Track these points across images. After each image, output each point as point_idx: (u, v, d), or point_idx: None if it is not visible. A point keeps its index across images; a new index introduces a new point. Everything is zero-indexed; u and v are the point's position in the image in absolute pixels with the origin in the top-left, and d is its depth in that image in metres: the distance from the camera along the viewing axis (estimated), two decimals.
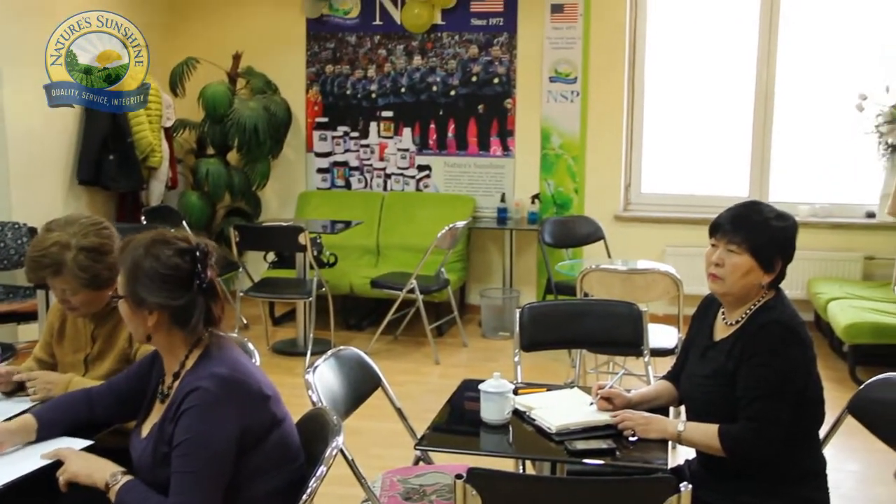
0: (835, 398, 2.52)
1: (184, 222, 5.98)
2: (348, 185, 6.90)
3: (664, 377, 2.67)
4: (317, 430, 2.17)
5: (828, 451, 2.48)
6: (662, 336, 4.25)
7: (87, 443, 2.18)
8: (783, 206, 2.46)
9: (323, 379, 2.61)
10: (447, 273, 5.93)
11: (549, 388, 2.75)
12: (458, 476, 1.89)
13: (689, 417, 2.45)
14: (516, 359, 3.26)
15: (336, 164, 6.90)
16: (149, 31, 5.19)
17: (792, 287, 5.76)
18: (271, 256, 6.27)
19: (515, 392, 2.54)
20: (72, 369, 2.58)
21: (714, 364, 2.39)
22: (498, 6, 6.44)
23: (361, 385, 2.80)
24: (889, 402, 2.50)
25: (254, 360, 2.52)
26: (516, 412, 2.50)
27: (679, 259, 5.78)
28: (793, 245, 2.39)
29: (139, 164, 6.07)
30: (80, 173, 5.91)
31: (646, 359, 3.33)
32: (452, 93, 6.60)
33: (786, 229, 2.37)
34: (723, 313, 2.46)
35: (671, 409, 2.63)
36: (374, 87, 6.74)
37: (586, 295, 4.30)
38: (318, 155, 6.92)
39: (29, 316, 4.87)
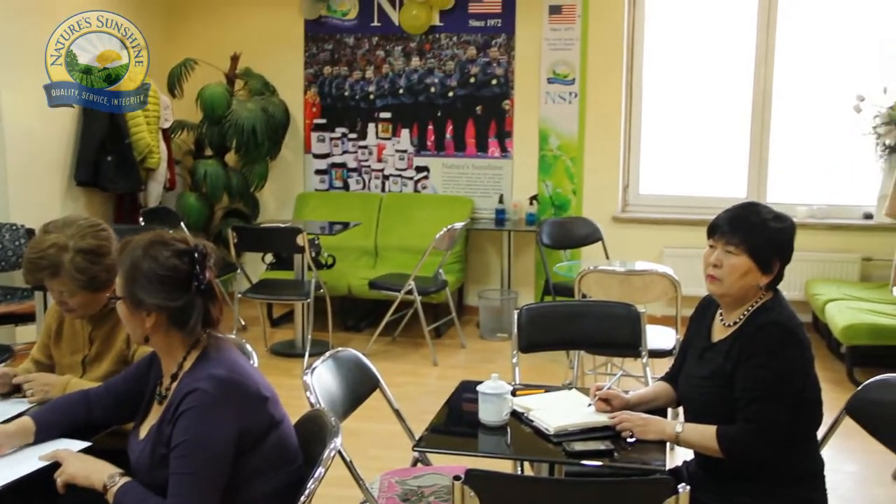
0: (833, 399, 2.53)
1: (182, 223, 5.96)
2: (346, 187, 6.90)
3: (662, 378, 2.67)
4: (315, 432, 2.17)
5: (826, 453, 2.48)
6: (660, 337, 4.25)
7: (85, 444, 2.18)
8: (781, 207, 2.46)
9: (321, 380, 2.61)
10: (445, 274, 5.93)
11: (548, 389, 2.75)
12: (457, 477, 1.89)
13: (688, 418, 2.45)
14: (514, 360, 3.26)
15: (334, 165, 6.90)
16: (147, 33, 5.18)
17: (790, 288, 5.75)
18: (269, 258, 6.27)
19: (513, 393, 2.54)
20: (69, 371, 2.58)
21: (712, 365, 2.39)
22: (496, 7, 6.44)
23: (359, 386, 2.80)
24: (887, 403, 2.50)
25: (252, 362, 2.52)
26: (514, 413, 2.50)
27: (677, 260, 5.79)
28: (791, 246, 2.39)
29: (137, 166, 6.07)
30: (77, 174, 5.90)
31: (644, 360, 3.34)
32: (450, 94, 6.60)
33: (784, 230, 2.38)
34: (721, 314, 2.46)
35: (669, 411, 2.63)
36: (372, 88, 6.74)
37: (584, 296, 4.30)
38: (316, 156, 6.92)
39: (27, 317, 4.87)
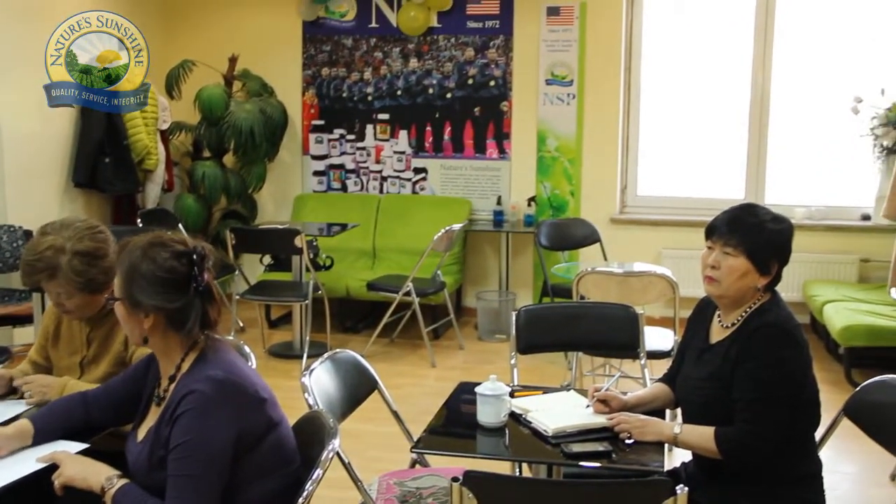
0: (830, 400, 2.53)
1: (180, 225, 5.97)
2: (344, 188, 6.90)
3: (660, 380, 2.67)
4: (313, 433, 2.17)
5: (824, 454, 2.48)
6: (658, 338, 4.26)
7: (83, 446, 2.18)
8: (779, 208, 2.46)
9: (319, 382, 2.60)
10: (443, 276, 5.93)
11: (546, 390, 2.75)
12: (455, 479, 1.89)
13: (686, 420, 2.45)
14: (512, 361, 3.27)
15: (332, 166, 6.90)
16: (145, 34, 5.18)
17: (788, 289, 5.76)
18: (267, 259, 6.27)
19: (512, 395, 2.54)
20: (67, 372, 2.58)
21: (710, 367, 2.39)
22: (494, 9, 6.44)
23: (358, 388, 2.80)
24: (885, 404, 2.50)
25: (250, 363, 2.52)
26: (513, 415, 2.50)
27: (675, 261, 5.80)
28: (789, 247, 2.39)
29: (135, 167, 6.07)
30: (75, 176, 5.90)
31: (642, 361, 3.34)
32: (448, 95, 6.60)
33: (782, 232, 2.38)
34: (719, 316, 2.47)
35: (667, 412, 2.64)
36: (370, 89, 6.74)
37: (582, 297, 4.30)
38: (315, 158, 6.92)
39: (24, 319, 4.86)
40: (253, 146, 6.44)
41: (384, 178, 6.81)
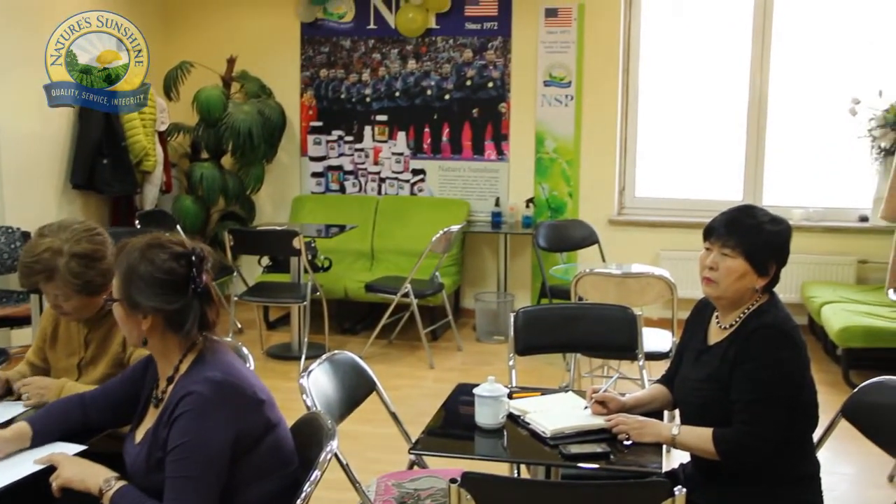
0: (828, 401, 2.53)
1: (178, 226, 5.97)
2: (343, 190, 6.90)
3: (658, 381, 2.67)
4: (311, 435, 2.17)
5: (822, 455, 2.48)
6: (657, 340, 4.26)
7: (81, 448, 2.17)
8: (777, 209, 2.46)
9: (317, 383, 2.60)
10: (442, 277, 5.93)
11: (544, 392, 2.75)
12: (453, 480, 1.89)
13: (684, 421, 2.46)
14: (511, 363, 3.27)
15: (330, 168, 6.90)
16: (144, 35, 5.18)
17: (786, 291, 5.81)
18: (265, 260, 6.27)
19: (510, 396, 2.54)
20: (65, 374, 2.57)
21: (708, 368, 2.39)
22: (492, 10, 6.44)
23: (356, 389, 2.80)
24: (883, 405, 2.51)
25: (248, 365, 2.52)
26: (511, 416, 2.50)
27: (673, 263, 5.79)
28: (787, 249, 2.40)
29: (133, 168, 6.07)
30: (73, 177, 5.89)
31: (640, 362, 3.34)
32: (447, 97, 6.61)
33: (780, 233, 2.38)
34: (717, 317, 2.47)
35: (666, 413, 2.64)
36: (368, 91, 6.74)
37: (581, 299, 4.30)
38: (313, 159, 6.92)
39: (22, 320, 4.87)
40: (251, 147, 6.44)
41: (382, 180, 6.81)
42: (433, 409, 2.63)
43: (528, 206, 6.45)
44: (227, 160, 6.70)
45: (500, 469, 2.78)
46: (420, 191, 6.75)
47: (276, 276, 6.09)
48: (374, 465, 3.30)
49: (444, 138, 6.64)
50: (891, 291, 5.10)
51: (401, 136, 6.72)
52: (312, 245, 5.72)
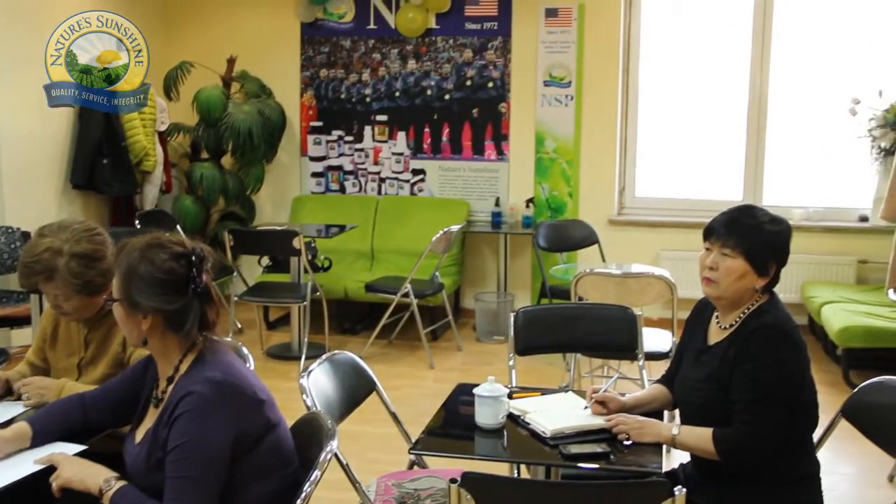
0: (828, 402, 2.53)
1: (178, 226, 5.97)
2: (343, 190, 6.90)
3: (658, 381, 2.67)
4: (311, 435, 2.17)
5: (822, 455, 2.48)
6: (657, 340, 4.26)
7: (81, 447, 2.17)
8: (777, 209, 2.46)
9: (317, 383, 2.60)
10: (442, 277, 5.93)
11: (544, 392, 2.75)
12: (453, 480, 1.89)
13: (684, 421, 2.46)
14: (511, 363, 3.27)
15: (330, 168, 6.90)
16: (144, 35, 5.18)
17: (786, 291, 5.81)
18: (265, 260, 6.27)
19: (510, 396, 2.54)
20: (65, 374, 2.57)
21: (708, 368, 2.39)
22: (492, 10, 6.44)
23: (356, 389, 2.80)
24: (883, 405, 2.51)
25: (248, 365, 2.52)
26: (511, 416, 2.50)
27: (673, 263, 5.79)
28: (787, 249, 2.40)
29: (133, 168, 6.07)
30: (73, 177, 5.90)
31: (640, 362, 3.34)
32: (447, 97, 6.60)
33: (780, 233, 2.38)
34: (717, 317, 2.47)
35: (666, 413, 2.64)
36: (368, 91, 6.74)
37: (581, 299, 4.30)
38: (313, 159, 6.92)
39: (22, 320, 4.87)
40: (251, 147, 6.44)
41: (382, 180, 6.81)
42: (433, 409, 2.63)
43: (528, 206, 6.45)
44: (227, 160, 6.70)
45: (500, 469, 2.78)
46: (420, 191, 6.75)
47: (276, 276, 6.09)
48: (374, 465, 3.31)
49: (444, 138, 6.64)
50: (891, 291, 5.10)
51: (401, 136, 6.72)
52: (312, 245, 5.72)
